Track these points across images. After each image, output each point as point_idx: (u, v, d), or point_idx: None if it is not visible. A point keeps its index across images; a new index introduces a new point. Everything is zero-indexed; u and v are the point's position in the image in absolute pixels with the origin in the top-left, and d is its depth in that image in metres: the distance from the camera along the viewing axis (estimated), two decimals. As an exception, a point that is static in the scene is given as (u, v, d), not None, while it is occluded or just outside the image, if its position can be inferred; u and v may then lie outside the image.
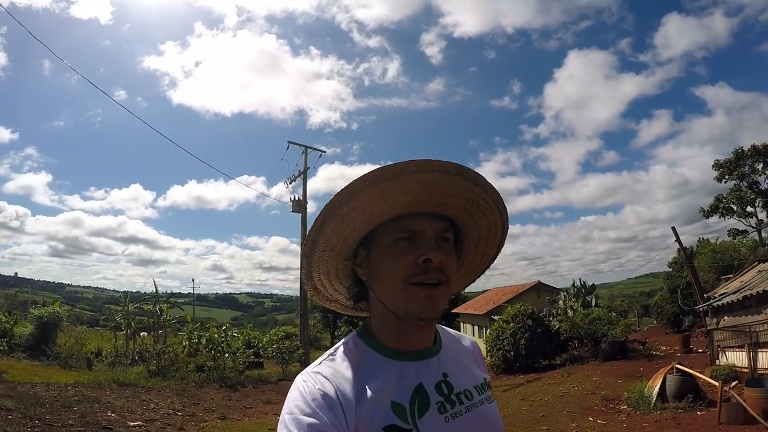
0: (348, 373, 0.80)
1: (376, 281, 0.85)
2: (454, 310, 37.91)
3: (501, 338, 17.75)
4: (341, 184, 0.76)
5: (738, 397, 7.07)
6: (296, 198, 21.13)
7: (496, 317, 20.57)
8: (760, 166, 25.21)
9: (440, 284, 0.81)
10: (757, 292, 10.11)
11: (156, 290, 21.25)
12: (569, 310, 18.46)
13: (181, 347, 15.48)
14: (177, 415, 9.14)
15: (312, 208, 22.28)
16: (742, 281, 12.36)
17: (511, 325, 17.74)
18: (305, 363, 17.94)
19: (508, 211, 0.92)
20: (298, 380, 0.80)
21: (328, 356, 0.85)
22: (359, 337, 0.89)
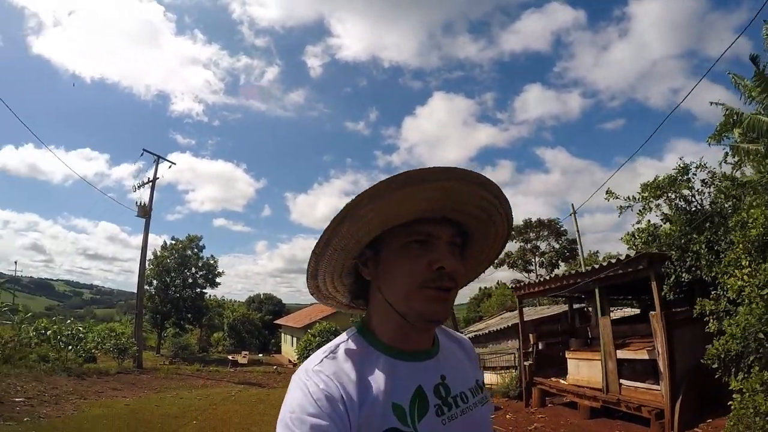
0: (351, 372, 0.78)
1: (386, 282, 0.83)
2: (277, 321, 38.57)
3: (308, 349, 20.21)
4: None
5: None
6: (143, 203, 21.23)
7: (309, 331, 23.08)
8: (545, 233, 34.36)
9: (450, 290, 0.81)
10: (489, 331, 13.73)
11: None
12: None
13: (27, 337, 15.75)
14: (45, 395, 10.36)
15: (157, 197, 21.82)
16: (487, 324, 16.56)
17: (317, 339, 20.39)
18: (139, 360, 19.20)
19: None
20: (300, 378, 0.77)
21: (329, 353, 0.82)
22: (360, 334, 0.86)
